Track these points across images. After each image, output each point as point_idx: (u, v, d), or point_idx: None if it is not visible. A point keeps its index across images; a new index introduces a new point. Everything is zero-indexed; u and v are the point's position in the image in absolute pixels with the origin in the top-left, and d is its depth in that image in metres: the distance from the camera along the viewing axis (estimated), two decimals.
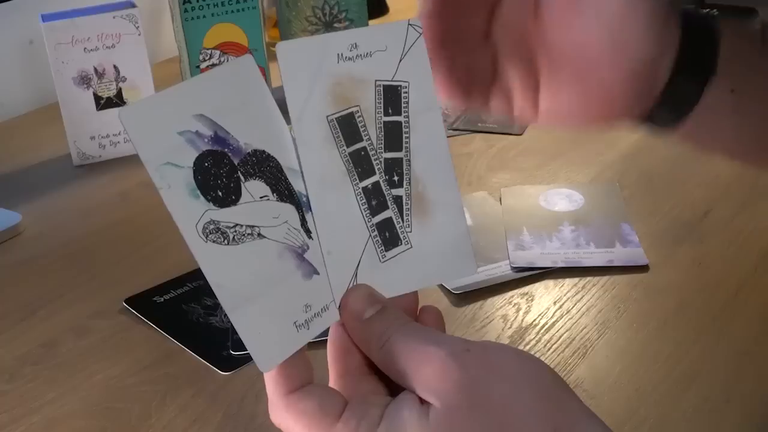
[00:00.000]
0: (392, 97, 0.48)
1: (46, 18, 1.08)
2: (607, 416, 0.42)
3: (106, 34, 1.09)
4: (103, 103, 1.11)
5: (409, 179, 0.48)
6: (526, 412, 0.41)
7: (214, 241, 0.42)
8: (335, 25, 1.25)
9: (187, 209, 0.42)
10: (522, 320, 0.78)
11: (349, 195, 0.47)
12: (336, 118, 0.46)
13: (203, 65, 1.17)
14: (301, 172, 0.46)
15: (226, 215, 0.43)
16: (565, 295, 0.81)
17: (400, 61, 0.48)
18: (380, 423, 0.42)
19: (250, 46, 1.17)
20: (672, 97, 0.55)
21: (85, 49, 1.08)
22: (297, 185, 0.45)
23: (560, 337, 0.76)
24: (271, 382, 0.44)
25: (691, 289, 0.81)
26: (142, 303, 0.83)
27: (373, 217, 0.47)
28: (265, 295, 0.44)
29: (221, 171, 0.43)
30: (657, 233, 0.89)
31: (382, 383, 0.45)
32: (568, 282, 0.83)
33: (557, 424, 0.41)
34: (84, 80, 1.10)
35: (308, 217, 0.46)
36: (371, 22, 1.34)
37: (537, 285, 0.83)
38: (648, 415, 0.66)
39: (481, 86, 0.56)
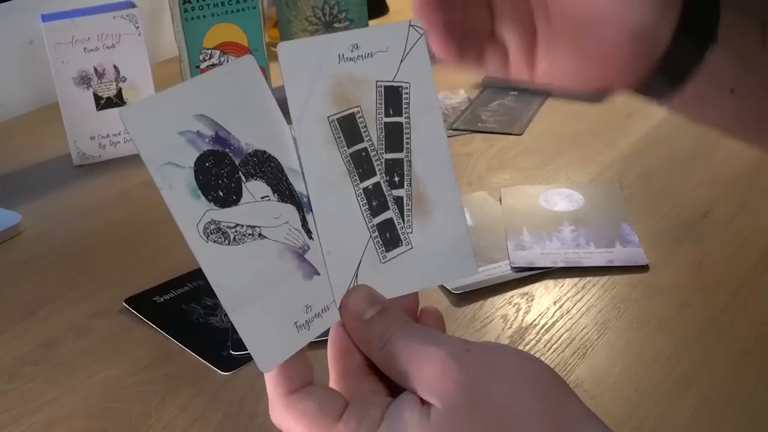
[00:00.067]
0: (393, 97, 0.48)
1: (46, 18, 1.08)
2: (607, 416, 0.42)
3: (106, 34, 1.09)
4: (103, 103, 1.11)
5: (410, 180, 0.48)
6: (527, 412, 0.41)
7: (214, 241, 0.42)
8: (335, 25, 1.25)
9: (188, 209, 0.42)
10: (522, 320, 0.78)
11: (350, 195, 0.47)
12: (337, 119, 0.46)
13: (203, 65, 1.17)
14: (302, 173, 0.46)
15: (227, 215, 0.43)
16: (565, 295, 0.81)
17: (401, 61, 0.48)
18: (381, 423, 0.42)
19: (250, 46, 1.17)
20: (670, 63, 0.54)
21: (85, 49, 1.08)
22: (298, 185, 0.45)
23: (560, 337, 0.76)
24: (271, 382, 0.44)
25: (691, 289, 0.81)
26: (142, 303, 0.83)
27: (373, 217, 0.47)
28: (265, 295, 0.44)
29: (222, 171, 0.43)
30: (657, 233, 0.89)
31: (382, 384, 0.45)
32: (568, 282, 0.83)
33: (557, 424, 0.41)
34: (84, 80, 1.10)
35: (309, 217, 0.46)
36: (371, 22, 1.34)
37: (537, 285, 0.83)
38: (648, 415, 0.66)
39: (476, 44, 0.56)
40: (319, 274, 0.45)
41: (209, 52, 1.16)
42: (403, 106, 0.48)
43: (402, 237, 0.48)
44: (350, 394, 0.44)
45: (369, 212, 0.47)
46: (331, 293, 0.46)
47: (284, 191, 0.45)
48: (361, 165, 0.47)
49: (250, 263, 0.43)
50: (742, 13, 0.56)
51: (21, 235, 0.98)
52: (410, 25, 0.48)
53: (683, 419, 0.66)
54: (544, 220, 0.91)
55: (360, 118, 0.47)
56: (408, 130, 0.48)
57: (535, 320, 0.78)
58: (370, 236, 0.47)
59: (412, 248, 0.48)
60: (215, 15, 1.15)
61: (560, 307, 0.79)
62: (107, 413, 0.70)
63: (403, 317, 0.45)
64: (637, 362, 0.72)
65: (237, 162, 0.44)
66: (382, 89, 0.47)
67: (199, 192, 0.42)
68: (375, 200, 0.47)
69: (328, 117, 0.46)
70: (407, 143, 0.48)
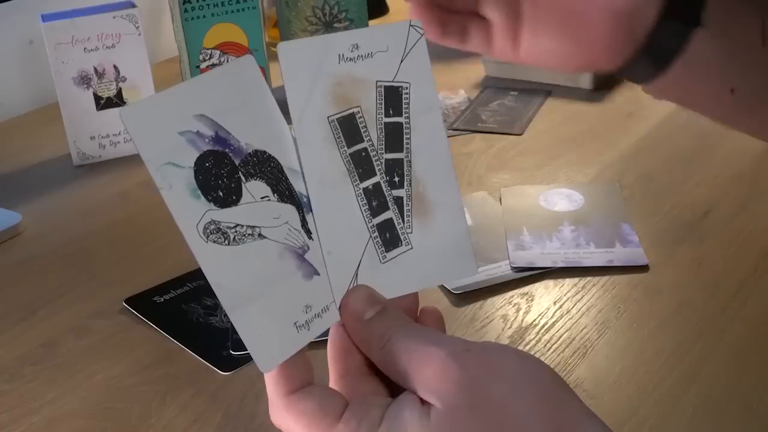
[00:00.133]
0: (393, 98, 0.48)
1: (46, 18, 1.08)
2: (607, 416, 0.42)
3: (106, 34, 1.09)
4: (103, 103, 1.11)
5: (410, 180, 0.48)
6: (527, 412, 0.41)
7: (214, 242, 0.42)
8: (335, 25, 1.25)
9: (188, 209, 0.42)
10: (522, 320, 0.78)
11: (350, 196, 0.47)
12: (337, 119, 0.46)
13: (203, 65, 1.17)
14: (302, 173, 0.46)
15: (226, 215, 0.43)
16: (565, 295, 0.81)
17: (401, 62, 0.48)
18: (381, 423, 0.42)
19: (250, 46, 1.17)
20: (655, 45, 0.54)
21: (85, 49, 1.08)
22: (298, 186, 0.45)
23: (560, 337, 0.76)
24: (271, 382, 0.44)
25: (691, 289, 0.81)
26: (142, 303, 0.83)
27: (373, 217, 0.47)
28: (265, 295, 0.44)
29: (222, 171, 0.43)
30: (657, 233, 0.89)
31: (382, 384, 0.45)
32: (568, 282, 0.83)
33: (558, 424, 0.41)
34: (84, 80, 1.10)
35: (309, 217, 0.46)
36: (371, 22, 1.34)
37: (537, 285, 0.83)
38: (648, 415, 0.66)
39: (459, 20, 0.56)
40: (318, 274, 0.45)
41: (209, 52, 1.16)
42: (403, 106, 0.48)
43: (402, 237, 0.48)
44: (350, 394, 0.44)
45: (369, 212, 0.47)
46: (331, 293, 0.46)
47: (284, 191, 0.45)
48: (361, 165, 0.47)
49: (250, 263, 0.43)
50: None
51: (21, 235, 0.98)
52: (410, 25, 0.48)
53: (683, 419, 0.66)
54: (544, 220, 0.91)
55: (360, 118, 0.47)
56: (408, 130, 0.48)
57: (535, 320, 0.78)
58: (370, 236, 0.47)
59: (412, 248, 0.48)
60: (215, 15, 1.15)
61: (560, 307, 0.79)
62: (107, 413, 0.70)
63: (403, 317, 0.45)
64: (637, 362, 0.72)
65: (237, 162, 0.44)
66: (382, 89, 0.47)
67: (199, 192, 0.42)
68: (375, 200, 0.47)
69: (328, 117, 0.46)
70: (407, 143, 0.48)
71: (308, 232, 0.45)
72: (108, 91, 1.11)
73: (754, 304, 0.78)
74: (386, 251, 0.47)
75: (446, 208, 0.49)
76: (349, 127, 0.47)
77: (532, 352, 0.72)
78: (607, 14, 0.53)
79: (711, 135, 1.06)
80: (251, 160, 0.44)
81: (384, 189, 0.47)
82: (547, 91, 1.24)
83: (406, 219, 0.48)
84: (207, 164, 0.43)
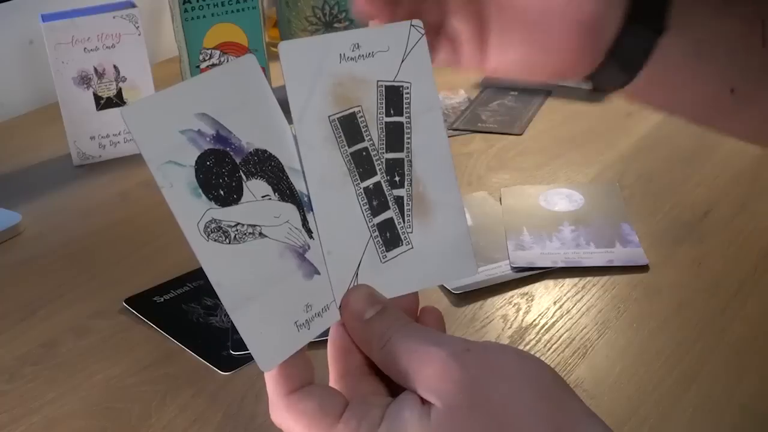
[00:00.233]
0: (394, 97, 0.48)
1: (46, 18, 1.08)
2: (607, 416, 0.42)
3: (106, 34, 1.09)
4: (103, 103, 1.11)
5: (410, 180, 0.48)
6: (527, 411, 0.41)
7: (215, 240, 0.42)
8: (335, 25, 1.25)
9: (189, 208, 0.42)
10: (522, 320, 0.78)
11: (350, 195, 0.47)
12: (338, 118, 0.46)
13: (203, 65, 1.17)
14: (303, 172, 0.46)
15: (227, 214, 0.43)
16: (565, 295, 0.81)
17: (402, 61, 0.48)
18: (381, 423, 0.42)
19: (250, 46, 1.17)
20: (622, 52, 0.54)
21: (85, 49, 1.08)
22: (298, 185, 0.45)
23: (560, 337, 0.76)
24: (271, 382, 0.44)
25: (691, 289, 0.81)
26: (142, 303, 0.83)
27: (374, 217, 0.47)
28: (265, 294, 0.44)
29: (223, 170, 0.43)
30: (657, 233, 0.89)
31: (382, 384, 0.45)
32: (568, 282, 0.83)
33: (558, 424, 0.41)
34: (84, 80, 1.10)
35: (309, 216, 0.46)
36: (371, 23, 1.34)
37: (537, 285, 0.83)
38: (648, 415, 0.66)
39: (426, 33, 0.56)
40: (319, 273, 0.45)
41: (209, 52, 1.16)
42: (404, 105, 0.48)
43: (402, 237, 0.48)
44: (350, 393, 0.44)
45: (369, 212, 0.47)
46: (332, 293, 0.46)
47: (285, 190, 0.45)
48: (362, 165, 0.47)
49: (251, 262, 0.43)
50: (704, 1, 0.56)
51: (21, 235, 0.98)
52: (411, 25, 0.48)
53: (683, 419, 0.66)
54: (544, 220, 0.91)
55: (361, 117, 0.47)
56: (408, 130, 0.48)
57: (535, 320, 0.78)
58: (371, 236, 0.47)
59: (412, 248, 0.48)
60: (215, 15, 1.15)
61: (560, 307, 0.79)
62: (107, 413, 0.70)
63: (404, 317, 0.45)
64: (637, 362, 0.72)
65: (238, 161, 0.44)
66: (383, 89, 0.47)
67: (200, 191, 0.42)
68: (375, 200, 0.47)
69: (328, 116, 0.46)
70: (408, 143, 0.48)
71: (309, 232, 0.45)
72: (108, 91, 1.11)
73: (754, 304, 0.78)
74: (386, 251, 0.47)
75: (446, 208, 0.49)
76: (349, 127, 0.47)
77: (532, 352, 0.72)
78: (570, 23, 0.53)
79: (711, 135, 1.05)
80: (252, 159, 0.44)
81: (384, 188, 0.47)
82: (547, 91, 1.24)
83: (406, 219, 0.48)
84: (208, 163, 0.43)
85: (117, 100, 1.12)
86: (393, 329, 0.44)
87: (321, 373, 0.45)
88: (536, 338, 0.76)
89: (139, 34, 1.10)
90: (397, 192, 0.48)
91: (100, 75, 1.10)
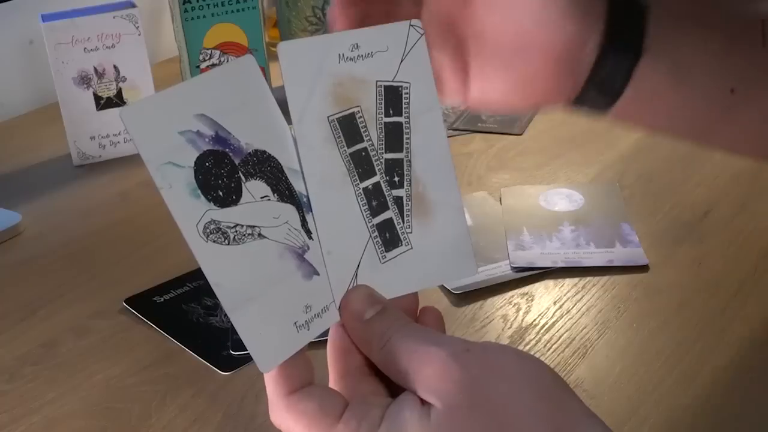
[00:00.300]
0: (393, 97, 0.48)
1: (46, 18, 1.08)
2: (607, 416, 0.42)
3: (106, 34, 1.09)
4: (103, 103, 1.11)
5: (410, 180, 0.48)
6: (527, 412, 0.41)
7: (214, 241, 0.42)
8: None
9: (188, 209, 0.42)
10: (522, 320, 0.78)
11: (350, 195, 0.47)
12: (337, 119, 0.46)
13: (203, 65, 1.17)
14: (302, 173, 0.46)
15: (226, 215, 0.43)
16: (565, 295, 0.81)
17: (401, 61, 0.48)
18: (381, 424, 0.42)
19: (250, 46, 1.17)
20: (601, 78, 0.55)
21: (85, 49, 1.08)
22: (297, 185, 0.45)
23: (560, 337, 0.76)
24: (271, 382, 0.44)
25: (691, 289, 0.81)
26: (142, 303, 0.83)
27: (373, 217, 0.47)
28: (265, 295, 0.44)
29: (222, 171, 0.43)
30: (657, 233, 0.89)
31: (382, 384, 0.45)
32: (568, 282, 0.83)
33: (558, 424, 0.41)
34: (84, 80, 1.10)
35: (309, 217, 0.46)
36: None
37: (537, 285, 0.83)
38: (648, 414, 0.66)
39: None
40: (318, 274, 0.45)
41: (209, 52, 1.16)
42: (403, 106, 0.48)
43: (402, 237, 0.48)
44: (350, 394, 0.44)
45: (369, 212, 0.47)
46: (331, 293, 0.46)
47: (284, 191, 0.45)
48: (361, 165, 0.47)
49: (250, 263, 0.43)
50: (679, 17, 0.57)
51: (21, 235, 0.98)
52: (410, 25, 0.48)
53: (683, 419, 0.66)
54: (544, 220, 0.91)
55: (360, 118, 0.47)
56: (408, 130, 0.48)
57: (535, 320, 0.78)
58: (370, 236, 0.47)
59: (411, 248, 0.48)
60: (215, 15, 1.15)
61: (560, 307, 0.79)
62: (107, 413, 0.70)
63: (403, 317, 0.45)
64: (637, 362, 0.72)
65: (237, 162, 0.44)
66: (382, 89, 0.47)
67: (199, 192, 0.42)
68: (375, 200, 0.47)
69: (328, 117, 0.46)
70: (407, 143, 0.48)
71: (308, 232, 0.45)
72: (108, 91, 1.11)
73: (754, 304, 0.78)
74: (386, 251, 0.47)
75: (446, 208, 0.49)
76: (349, 127, 0.47)
77: (532, 352, 0.72)
78: (548, 53, 0.55)
79: None
80: (251, 159, 0.44)
81: (384, 189, 0.47)
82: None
83: (406, 219, 0.48)
84: (207, 164, 0.43)
85: (117, 100, 1.12)
86: (393, 329, 0.44)
87: (321, 373, 0.45)
88: (536, 338, 0.76)
89: (139, 34, 1.10)
90: (396, 192, 0.48)
91: (100, 75, 1.10)
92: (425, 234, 0.48)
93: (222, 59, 1.17)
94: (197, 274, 0.82)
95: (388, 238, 0.47)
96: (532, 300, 0.81)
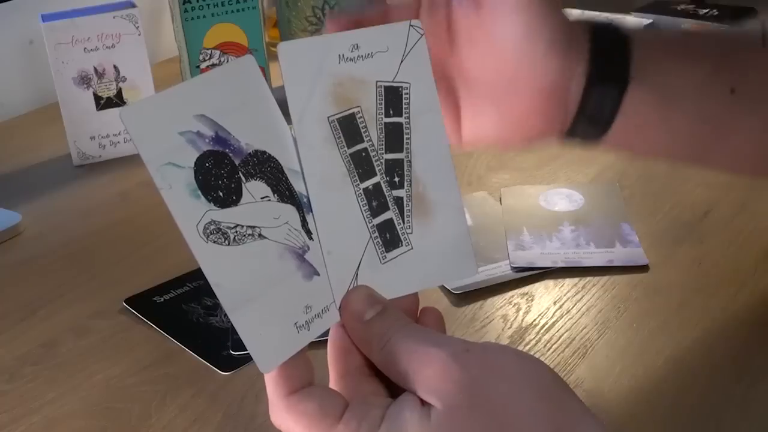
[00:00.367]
0: (393, 98, 0.48)
1: (46, 18, 1.08)
2: (607, 416, 0.42)
3: (106, 34, 1.09)
4: (103, 103, 1.11)
5: (410, 180, 0.48)
6: (527, 412, 0.41)
7: (214, 242, 0.42)
8: None
9: (188, 209, 0.42)
10: (522, 320, 0.78)
11: (350, 196, 0.47)
12: (337, 119, 0.46)
13: (203, 65, 1.17)
14: (302, 173, 0.46)
15: (227, 216, 0.43)
16: (565, 295, 0.81)
17: (401, 62, 0.48)
18: (381, 424, 0.42)
19: (250, 46, 1.17)
20: (589, 110, 0.57)
21: (85, 49, 1.08)
22: (298, 186, 0.45)
23: (560, 337, 0.76)
24: (271, 383, 0.44)
25: (691, 289, 0.81)
26: (142, 303, 0.83)
27: (373, 218, 0.47)
28: (265, 295, 0.44)
29: (222, 171, 0.43)
30: (657, 233, 0.89)
31: (382, 384, 0.45)
32: (568, 282, 0.83)
33: (558, 424, 0.41)
34: (84, 80, 1.10)
35: (309, 217, 0.46)
36: None
37: (537, 285, 0.83)
38: (648, 414, 0.66)
39: None
40: (318, 274, 0.45)
41: (209, 52, 1.16)
42: (403, 106, 0.48)
43: (402, 237, 0.48)
44: (350, 394, 0.44)
45: (369, 213, 0.47)
46: (331, 294, 0.46)
47: (284, 191, 0.45)
48: (361, 165, 0.47)
49: (250, 264, 0.43)
50: (663, 45, 0.59)
51: (21, 235, 0.98)
52: (410, 25, 0.49)
53: (683, 419, 0.66)
54: (544, 220, 0.91)
55: (360, 118, 0.47)
56: (408, 131, 0.48)
57: (535, 320, 0.78)
58: (370, 237, 0.47)
59: (412, 249, 0.48)
60: (215, 15, 1.15)
61: (560, 307, 0.79)
62: (107, 413, 0.70)
63: (403, 318, 0.45)
64: (637, 362, 0.72)
65: (237, 162, 0.44)
66: (383, 89, 0.47)
67: (199, 192, 0.42)
68: (375, 201, 0.47)
69: (328, 117, 0.46)
70: (407, 143, 0.48)
71: (308, 233, 0.45)
72: (108, 91, 1.11)
73: (754, 304, 0.78)
74: (386, 251, 0.47)
75: (446, 208, 0.49)
76: (349, 128, 0.47)
77: (532, 352, 0.72)
78: (534, 91, 0.56)
79: None
80: (251, 160, 0.44)
81: (384, 189, 0.47)
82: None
83: (406, 219, 0.48)
84: (207, 164, 0.43)
85: (117, 100, 1.12)
86: (393, 330, 0.44)
87: (321, 373, 0.45)
88: (536, 338, 0.76)
89: (139, 34, 1.10)
90: (396, 192, 0.48)
91: (100, 75, 1.10)
92: (425, 234, 0.48)
93: (222, 59, 1.17)
94: (197, 274, 0.82)
95: (389, 238, 0.47)
96: (532, 300, 0.81)
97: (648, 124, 0.59)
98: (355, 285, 0.46)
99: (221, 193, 0.43)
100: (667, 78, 0.58)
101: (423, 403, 0.41)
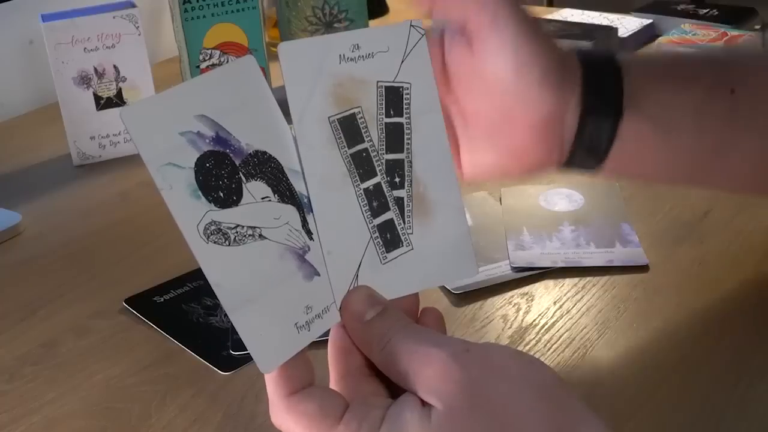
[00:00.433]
0: (394, 98, 0.48)
1: (46, 18, 1.07)
2: (607, 416, 0.42)
3: (106, 34, 1.09)
4: (103, 103, 1.11)
5: (411, 180, 0.48)
6: (528, 412, 0.41)
7: (215, 242, 0.42)
8: (335, 25, 1.25)
9: (189, 210, 0.42)
10: (522, 320, 0.78)
11: (350, 196, 0.47)
12: (338, 119, 0.46)
13: (203, 65, 1.17)
14: (303, 173, 0.46)
15: (227, 216, 0.43)
16: (565, 295, 0.81)
17: (402, 62, 0.48)
18: (381, 425, 0.42)
19: (250, 46, 1.17)
20: (586, 140, 0.58)
21: (85, 49, 1.08)
22: (298, 186, 0.45)
23: (560, 337, 0.76)
24: (271, 383, 0.44)
25: (691, 289, 0.81)
26: (142, 303, 0.83)
27: (374, 218, 0.47)
28: (265, 296, 0.44)
29: (223, 172, 0.43)
30: (657, 233, 0.89)
31: (383, 385, 0.45)
32: (568, 282, 0.83)
33: (558, 424, 0.41)
34: (84, 80, 1.10)
35: (309, 218, 0.46)
36: (371, 23, 1.34)
37: (537, 285, 0.83)
38: (648, 415, 0.66)
39: None
40: (319, 274, 0.45)
41: (209, 52, 1.16)
42: (404, 106, 0.48)
43: (402, 238, 0.48)
44: (351, 395, 0.44)
45: (369, 213, 0.47)
46: (332, 294, 0.46)
47: (285, 192, 0.45)
48: (362, 165, 0.47)
49: (251, 264, 0.43)
50: (655, 72, 0.59)
51: (21, 235, 0.98)
52: (411, 25, 0.49)
53: (683, 419, 0.66)
54: (544, 220, 0.91)
55: (360, 118, 0.47)
56: (409, 131, 0.48)
57: (535, 320, 0.78)
58: (371, 237, 0.47)
59: (412, 249, 0.48)
60: (215, 15, 1.15)
61: (560, 307, 0.79)
62: (107, 413, 0.70)
63: (404, 318, 0.45)
64: (637, 362, 0.72)
65: (237, 162, 0.44)
66: (383, 89, 0.47)
67: (200, 192, 0.42)
68: (375, 201, 0.47)
69: (328, 117, 0.46)
70: (408, 144, 0.48)
71: (309, 233, 0.45)
72: (108, 91, 1.11)
73: (754, 305, 0.78)
74: (387, 252, 0.47)
75: (447, 209, 0.49)
76: (349, 128, 0.47)
77: (532, 352, 0.72)
78: (530, 126, 0.57)
79: None
80: (252, 160, 0.44)
81: (384, 189, 0.47)
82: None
83: (406, 219, 0.48)
84: (207, 165, 0.43)
85: (117, 100, 1.12)
86: (393, 330, 0.44)
87: (321, 373, 0.45)
88: (536, 338, 0.76)
89: (139, 34, 1.10)
90: (397, 193, 0.48)
91: (100, 75, 1.10)
92: (426, 234, 0.48)
93: (222, 59, 1.17)
94: (197, 274, 0.82)
95: (389, 238, 0.47)
96: (532, 300, 0.81)
97: (645, 150, 0.59)
98: (356, 285, 0.46)
99: (222, 194, 0.43)
100: (662, 104, 0.58)
101: (423, 403, 0.42)
